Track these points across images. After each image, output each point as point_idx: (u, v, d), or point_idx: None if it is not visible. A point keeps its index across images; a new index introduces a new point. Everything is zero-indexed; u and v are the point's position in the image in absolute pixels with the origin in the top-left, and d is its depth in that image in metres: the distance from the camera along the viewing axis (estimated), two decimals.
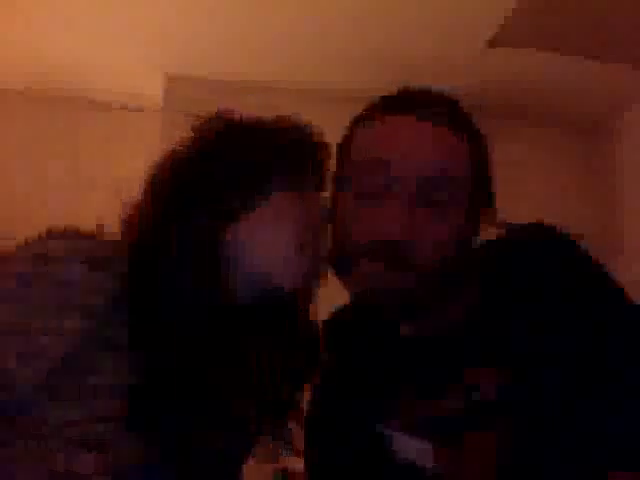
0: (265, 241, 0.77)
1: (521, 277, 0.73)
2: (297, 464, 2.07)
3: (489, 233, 0.79)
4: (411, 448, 0.74)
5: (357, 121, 0.79)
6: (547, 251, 0.74)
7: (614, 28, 2.31)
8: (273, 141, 0.80)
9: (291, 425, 0.87)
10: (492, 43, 2.41)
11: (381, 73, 2.50)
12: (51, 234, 0.70)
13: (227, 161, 0.77)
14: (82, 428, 0.64)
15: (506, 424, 0.69)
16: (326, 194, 0.84)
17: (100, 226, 0.76)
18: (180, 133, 0.82)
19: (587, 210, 2.97)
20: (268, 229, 0.77)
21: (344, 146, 0.80)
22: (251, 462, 0.86)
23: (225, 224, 0.76)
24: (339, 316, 0.91)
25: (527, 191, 2.76)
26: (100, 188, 2.50)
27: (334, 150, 0.84)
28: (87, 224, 0.75)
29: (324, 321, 0.91)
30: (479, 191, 0.75)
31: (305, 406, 0.89)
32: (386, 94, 0.79)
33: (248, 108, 0.84)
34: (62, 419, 0.64)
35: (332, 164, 0.84)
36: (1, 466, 0.64)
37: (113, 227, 0.78)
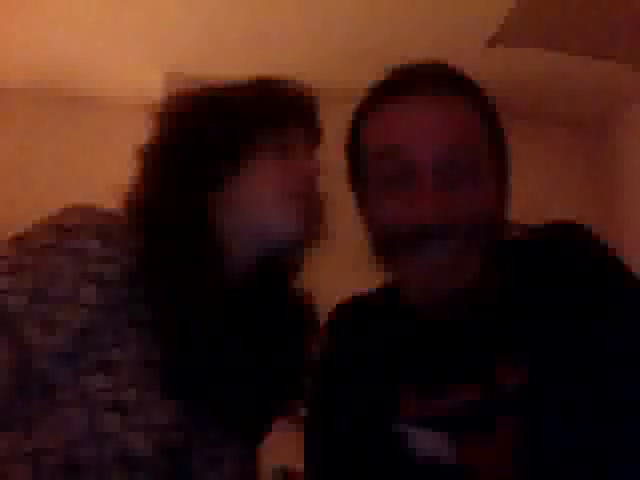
0: (260, 196, 0.79)
1: (558, 274, 0.73)
2: (297, 464, 2.06)
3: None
4: (430, 444, 0.72)
5: (363, 108, 0.78)
6: (582, 251, 0.74)
7: (614, 28, 2.31)
8: (255, 97, 0.82)
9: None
10: (492, 43, 2.41)
11: (381, 73, 2.50)
12: (68, 209, 0.72)
13: (211, 126, 0.79)
14: (113, 394, 0.65)
15: (522, 421, 0.68)
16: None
17: (118, 204, 0.78)
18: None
19: (587, 210, 2.96)
20: (260, 184, 0.79)
21: (354, 134, 0.79)
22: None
23: (220, 188, 0.78)
24: (353, 306, 0.89)
25: (527, 191, 2.75)
26: (100, 186, 2.50)
27: (326, 153, 0.86)
28: None
29: (336, 310, 0.89)
30: (498, 158, 0.75)
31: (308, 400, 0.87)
32: (383, 76, 0.78)
33: None
34: (92, 387, 0.65)
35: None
36: (32, 433, 0.64)
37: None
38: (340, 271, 1.74)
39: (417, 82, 0.73)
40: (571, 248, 0.75)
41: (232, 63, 2.60)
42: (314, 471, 0.83)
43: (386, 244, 0.74)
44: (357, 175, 0.79)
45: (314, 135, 0.88)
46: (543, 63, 2.56)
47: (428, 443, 0.72)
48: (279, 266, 0.86)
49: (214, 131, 0.79)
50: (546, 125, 3.00)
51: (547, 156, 3.03)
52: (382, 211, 0.73)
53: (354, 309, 0.87)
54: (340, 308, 0.88)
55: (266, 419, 0.84)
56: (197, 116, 0.81)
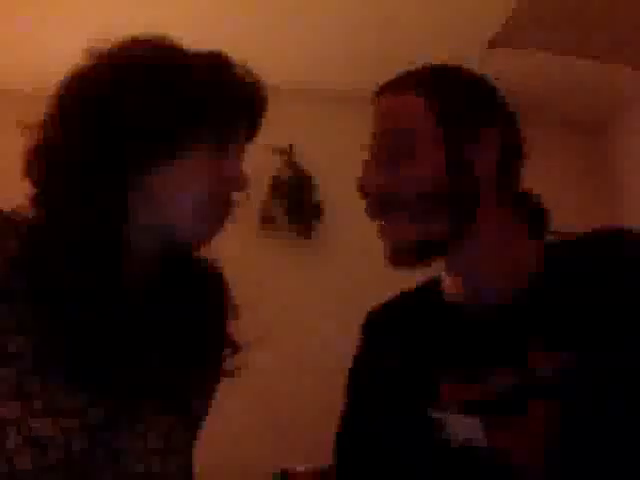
0: (176, 196, 0.72)
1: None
2: (297, 465, 2.07)
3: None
4: (464, 429, 0.75)
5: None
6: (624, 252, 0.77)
7: (614, 28, 2.31)
8: (202, 88, 0.74)
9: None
10: (492, 43, 2.41)
11: (381, 73, 2.50)
12: None
13: (147, 105, 0.71)
14: (16, 382, 0.63)
15: (555, 405, 0.70)
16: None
17: None
18: None
19: (587, 210, 2.97)
20: (182, 184, 0.72)
21: None
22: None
23: (140, 173, 0.71)
24: (384, 307, 0.94)
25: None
26: None
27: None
28: None
29: (368, 315, 0.95)
30: (455, 127, 0.80)
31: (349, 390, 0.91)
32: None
33: None
34: None
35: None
36: None
37: None
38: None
39: (389, 83, 0.86)
40: (614, 249, 0.78)
41: None
42: (350, 459, 0.87)
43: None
44: None
45: (255, 131, 0.82)
46: (543, 64, 2.56)
47: (461, 428, 0.75)
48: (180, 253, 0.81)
49: (152, 109, 0.70)
50: (546, 125, 3.00)
51: (547, 156, 3.03)
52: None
53: (385, 310, 0.94)
54: (371, 312, 0.95)
55: (185, 387, 0.78)
56: (130, 87, 0.72)
